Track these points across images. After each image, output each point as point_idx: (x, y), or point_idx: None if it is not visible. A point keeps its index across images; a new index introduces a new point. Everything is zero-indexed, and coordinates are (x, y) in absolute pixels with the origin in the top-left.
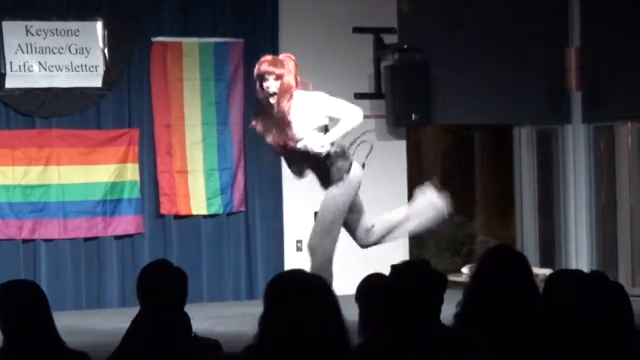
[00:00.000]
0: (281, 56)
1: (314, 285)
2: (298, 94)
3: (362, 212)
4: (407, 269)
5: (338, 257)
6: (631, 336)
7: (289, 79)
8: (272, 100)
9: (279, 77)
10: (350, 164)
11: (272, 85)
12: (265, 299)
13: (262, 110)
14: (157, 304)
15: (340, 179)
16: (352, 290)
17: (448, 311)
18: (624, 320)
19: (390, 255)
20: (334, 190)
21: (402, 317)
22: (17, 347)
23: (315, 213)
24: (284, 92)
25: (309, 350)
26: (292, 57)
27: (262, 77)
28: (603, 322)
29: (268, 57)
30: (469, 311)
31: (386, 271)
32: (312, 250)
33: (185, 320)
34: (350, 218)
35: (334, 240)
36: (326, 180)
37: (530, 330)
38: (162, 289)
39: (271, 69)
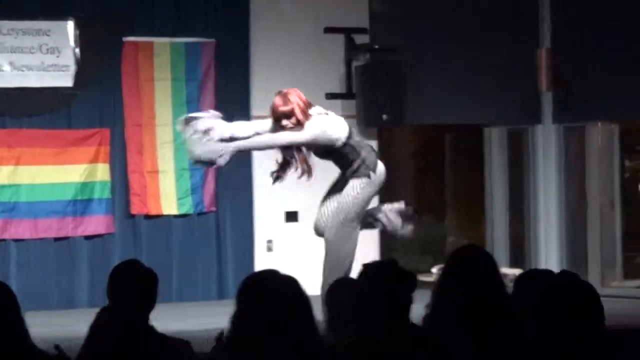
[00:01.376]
0: (289, 93)
1: (286, 286)
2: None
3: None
4: (376, 268)
5: (308, 258)
6: (601, 336)
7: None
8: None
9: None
10: (376, 162)
11: (288, 124)
12: (237, 298)
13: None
14: (128, 304)
15: (367, 175)
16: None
17: (419, 311)
18: (594, 320)
19: (361, 256)
20: (357, 184)
21: (371, 317)
22: None
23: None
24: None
25: (280, 349)
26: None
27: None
28: (572, 322)
29: (279, 96)
30: (438, 312)
31: (355, 269)
32: (329, 242)
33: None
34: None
35: (357, 235)
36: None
37: (500, 331)
38: (132, 289)
39: (282, 109)
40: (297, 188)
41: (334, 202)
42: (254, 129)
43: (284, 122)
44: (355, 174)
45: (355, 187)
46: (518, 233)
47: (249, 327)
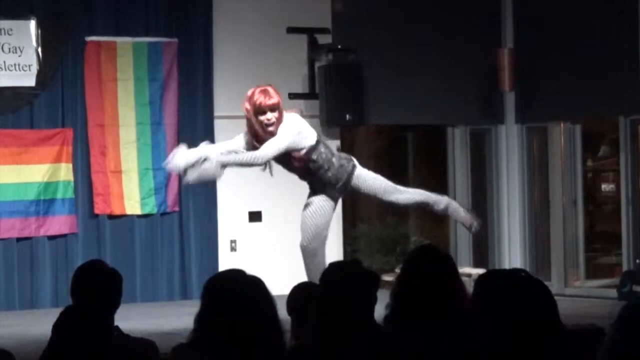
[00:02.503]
0: (268, 88)
1: (250, 286)
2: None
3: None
4: (340, 268)
5: (272, 258)
6: (557, 335)
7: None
8: (271, 128)
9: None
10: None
11: (272, 116)
12: (202, 297)
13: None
14: (91, 304)
15: (344, 189)
16: (288, 290)
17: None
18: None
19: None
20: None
21: (335, 316)
22: None
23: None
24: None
25: (244, 348)
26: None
27: (262, 111)
28: (530, 322)
29: (259, 90)
30: (398, 313)
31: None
32: (314, 253)
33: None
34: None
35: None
36: (327, 187)
37: (459, 331)
38: (96, 289)
39: (270, 101)
40: (261, 188)
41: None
42: (227, 148)
43: (269, 115)
44: (336, 187)
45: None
46: (482, 232)
47: (213, 327)
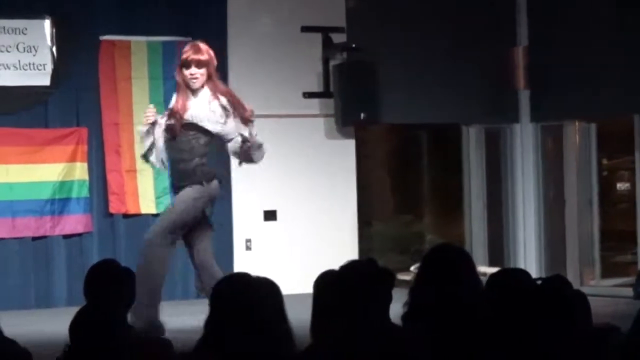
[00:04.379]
0: (201, 44)
1: (258, 289)
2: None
3: (209, 232)
4: (355, 267)
5: (287, 257)
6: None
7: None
8: (194, 83)
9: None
10: (214, 175)
11: (196, 72)
12: (210, 301)
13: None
14: (105, 303)
15: (200, 182)
16: (303, 289)
17: (398, 309)
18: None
19: (340, 255)
20: (190, 192)
21: (349, 314)
22: None
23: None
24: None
25: (253, 352)
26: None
27: (187, 65)
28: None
29: (191, 44)
30: (415, 311)
31: (334, 268)
32: (150, 244)
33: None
34: (197, 232)
35: (174, 244)
36: (185, 179)
37: (475, 329)
38: (109, 289)
39: (196, 56)
40: (276, 187)
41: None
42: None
43: (193, 70)
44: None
45: (190, 195)
46: (497, 231)
47: (222, 332)
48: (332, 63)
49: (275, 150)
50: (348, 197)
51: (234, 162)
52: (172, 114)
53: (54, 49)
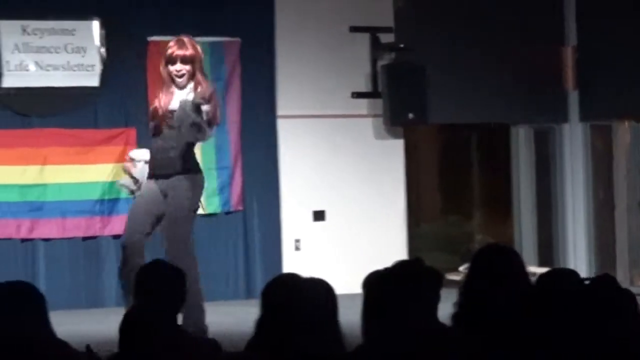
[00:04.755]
0: (185, 39)
1: (308, 289)
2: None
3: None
4: (403, 267)
5: (336, 257)
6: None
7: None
8: (180, 80)
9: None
10: (197, 166)
11: (181, 68)
12: (261, 302)
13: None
14: (155, 304)
15: (183, 172)
16: (352, 289)
17: (447, 309)
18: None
19: (389, 255)
20: (183, 180)
21: (398, 314)
22: (14, 348)
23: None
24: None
25: (303, 352)
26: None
27: (172, 61)
28: (595, 322)
29: (175, 40)
30: (465, 311)
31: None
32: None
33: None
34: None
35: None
36: (166, 167)
37: (524, 329)
38: (159, 289)
39: (181, 52)
40: (325, 187)
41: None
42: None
43: (178, 66)
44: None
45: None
46: (546, 231)
47: (273, 330)
48: (380, 63)
49: (324, 151)
50: (397, 197)
51: (283, 162)
52: (155, 113)
53: (103, 49)
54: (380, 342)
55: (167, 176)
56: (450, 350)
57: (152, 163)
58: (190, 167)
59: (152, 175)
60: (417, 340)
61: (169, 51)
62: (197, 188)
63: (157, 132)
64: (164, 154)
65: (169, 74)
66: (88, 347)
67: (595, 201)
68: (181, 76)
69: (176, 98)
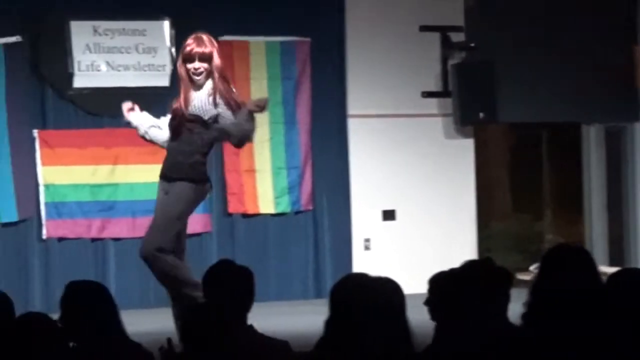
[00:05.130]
0: (204, 36)
1: (377, 289)
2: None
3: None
4: (473, 266)
5: (406, 257)
6: None
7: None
8: (198, 78)
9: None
10: (204, 176)
11: (200, 66)
12: (330, 303)
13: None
14: (224, 303)
15: (192, 180)
16: (423, 289)
17: (517, 309)
18: None
19: (458, 254)
20: (186, 188)
21: (468, 313)
22: (85, 346)
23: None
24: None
25: (373, 352)
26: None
27: (191, 59)
28: None
29: (193, 37)
30: (535, 310)
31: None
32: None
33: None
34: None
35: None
36: (178, 171)
37: (595, 328)
38: (229, 288)
39: (200, 49)
40: (395, 186)
41: None
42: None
43: (197, 64)
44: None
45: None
46: (617, 231)
47: (342, 330)
48: (450, 62)
49: (394, 150)
50: (467, 197)
51: (353, 162)
52: (175, 113)
53: (173, 50)
54: (449, 342)
55: (172, 179)
56: (520, 350)
57: (164, 162)
58: (196, 177)
59: (162, 175)
60: (487, 340)
61: (187, 49)
62: (197, 199)
63: (176, 134)
64: (174, 158)
65: (187, 72)
66: (169, 340)
67: None
68: (199, 74)
69: (196, 98)
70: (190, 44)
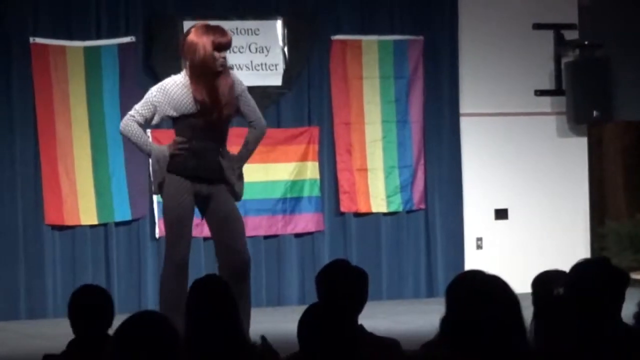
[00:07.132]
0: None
1: (494, 286)
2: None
3: None
4: (588, 266)
5: (518, 256)
6: None
7: None
8: (222, 69)
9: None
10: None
11: (225, 55)
12: (446, 300)
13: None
14: (337, 303)
15: (232, 182)
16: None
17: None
18: None
19: (570, 252)
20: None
21: (581, 315)
22: (204, 341)
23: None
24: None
25: (489, 351)
26: None
27: (223, 48)
28: None
29: (214, 27)
30: None
31: (565, 267)
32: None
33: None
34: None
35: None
36: (217, 171)
37: None
38: (342, 288)
39: (229, 39)
40: (507, 185)
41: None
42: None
43: (224, 53)
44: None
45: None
46: None
47: (458, 328)
48: (564, 60)
49: (507, 149)
50: (580, 196)
51: (466, 160)
52: (206, 106)
53: (286, 49)
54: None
55: (213, 181)
56: (633, 350)
57: (195, 163)
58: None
59: (195, 177)
60: (602, 341)
61: (221, 38)
62: None
63: (215, 126)
64: (213, 157)
65: (215, 60)
66: (263, 337)
67: None
68: (225, 65)
69: (220, 84)
70: (218, 33)
